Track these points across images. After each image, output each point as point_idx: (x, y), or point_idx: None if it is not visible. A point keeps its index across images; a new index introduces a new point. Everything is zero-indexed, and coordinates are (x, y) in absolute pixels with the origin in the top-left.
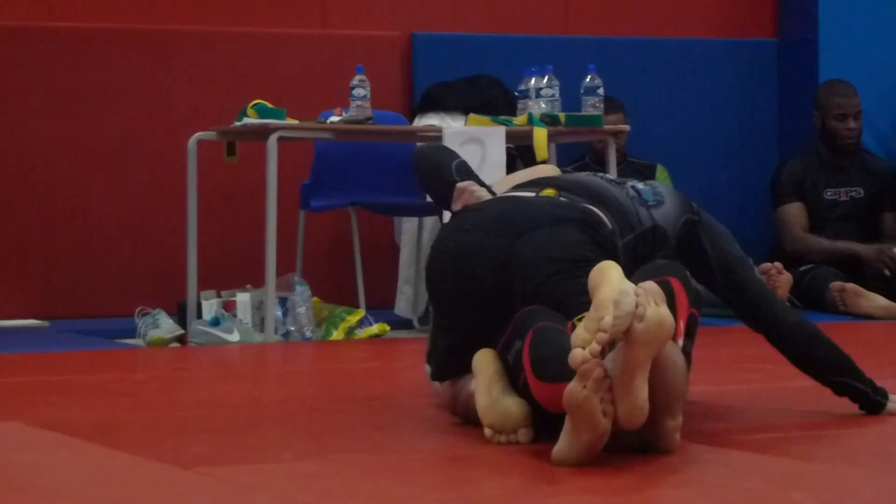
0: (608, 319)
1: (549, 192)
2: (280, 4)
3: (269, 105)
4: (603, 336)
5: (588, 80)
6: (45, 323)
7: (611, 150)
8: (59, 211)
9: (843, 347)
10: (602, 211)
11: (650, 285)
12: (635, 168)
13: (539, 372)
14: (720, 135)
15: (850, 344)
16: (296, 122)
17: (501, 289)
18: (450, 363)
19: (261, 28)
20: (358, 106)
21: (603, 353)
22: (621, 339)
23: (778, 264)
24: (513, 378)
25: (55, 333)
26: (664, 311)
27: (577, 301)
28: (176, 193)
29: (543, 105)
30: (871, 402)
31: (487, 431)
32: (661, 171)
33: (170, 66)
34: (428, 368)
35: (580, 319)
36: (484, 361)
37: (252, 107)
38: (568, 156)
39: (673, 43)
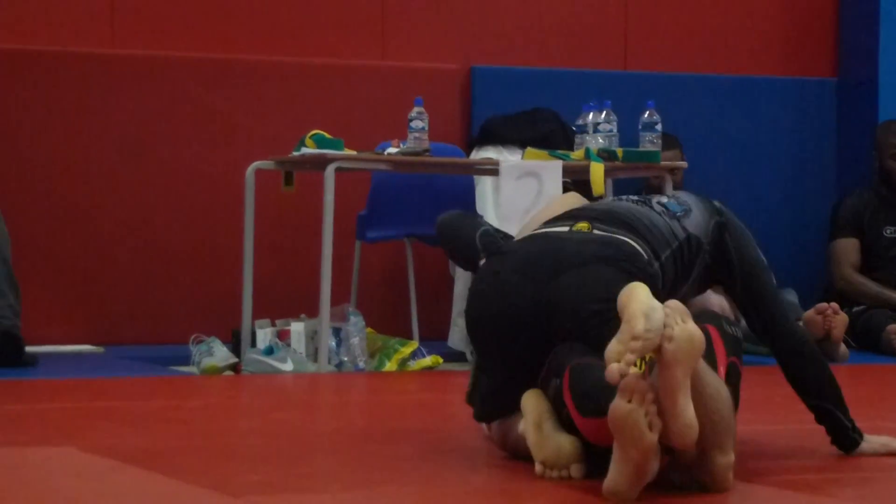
0: (640, 328)
1: (581, 225)
2: (340, 36)
3: (328, 135)
4: (636, 344)
5: (646, 115)
6: (101, 349)
7: (667, 185)
8: (116, 237)
9: None
10: (636, 240)
11: (676, 303)
12: None
13: (582, 408)
14: (778, 173)
15: None
16: (353, 152)
17: (540, 330)
18: (494, 404)
19: (321, 59)
20: (416, 138)
21: (643, 377)
22: (656, 360)
23: (834, 304)
24: (556, 414)
25: (110, 359)
26: (692, 326)
27: None
28: (233, 222)
29: (601, 140)
30: (849, 438)
31: (539, 468)
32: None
33: (230, 94)
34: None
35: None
36: (532, 401)
37: (310, 137)
38: (624, 191)
39: (732, 80)
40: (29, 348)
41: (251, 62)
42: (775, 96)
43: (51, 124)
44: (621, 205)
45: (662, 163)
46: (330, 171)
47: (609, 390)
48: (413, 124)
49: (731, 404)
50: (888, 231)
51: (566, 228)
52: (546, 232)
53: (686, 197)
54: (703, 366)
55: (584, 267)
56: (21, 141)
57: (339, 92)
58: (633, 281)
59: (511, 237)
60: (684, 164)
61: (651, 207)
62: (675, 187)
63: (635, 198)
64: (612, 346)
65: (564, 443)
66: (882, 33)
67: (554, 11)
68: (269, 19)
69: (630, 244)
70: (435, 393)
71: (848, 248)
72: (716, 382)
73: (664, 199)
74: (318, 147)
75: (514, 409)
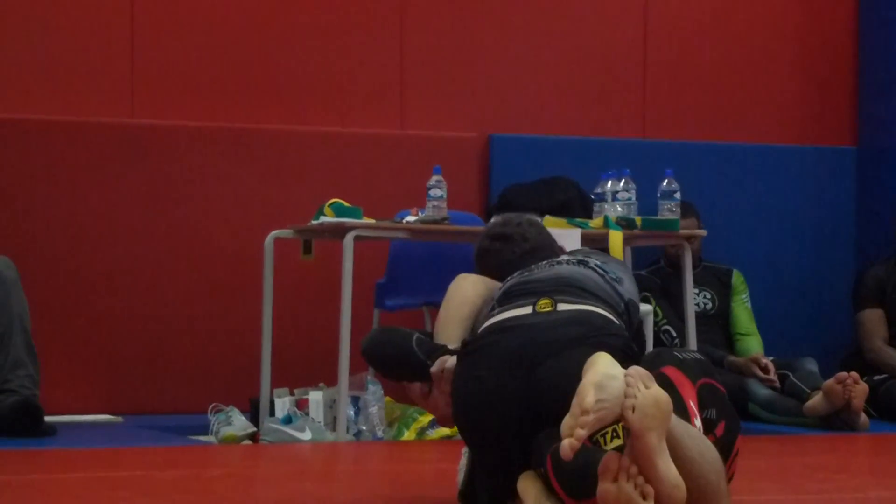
0: (589, 401)
1: (544, 302)
2: (359, 105)
3: (346, 204)
4: (587, 419)
5: (665, 184)
6: (119, 418)
7: (686, 254)
8: (135, 306)
9: None
10: (600, 306)
11: (637, 369)
12: (712, 273)
13: (572, 491)
14: (797, 242)
15: None
16: (372, 221)
17: (528, 422)
18: (494, 494)
19: (340, 128)
20: (434, 206)
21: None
22: (626, 428)
23: (854, 374)
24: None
25: (129, 429)
26: (655, 391)
27: None
28: (251, 290)
29: (620, 208)
30: None
31: None
32: (737, 276)
33: (249, 164)
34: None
35: (602, 435)
36: (529, 482)
37: (329, 205)
38: (644, 259)
39: (751, 148)
40: (48, 418)
41: (270, 132)
42: (794, 165)
43: (70, 194)
44: (565, 269)
45: (681, 231)
46: (349, 240)
47: (594, 467)
48: (432, 192)
49: (719, 466)
50: None
51: (529, 310)
52: (512, 319)
53: (614, 263)
54: (678, 429)
55: (560, 355)
56: (40, 210)
57: (358, 161)
58: (613, 353)
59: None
60: (703, 232)
61: (592, 269)
62: (694, 256)
63: (571, 259)
64: (565, 421)
65: None
66: None
67: (572, 80)
68: (289, 89)
69: (598, 314)
70: (454, 462)
71: (875, 320)
72: (697, 443)
73: (598, 261)
74: (337, 216)
75: (509, 498)
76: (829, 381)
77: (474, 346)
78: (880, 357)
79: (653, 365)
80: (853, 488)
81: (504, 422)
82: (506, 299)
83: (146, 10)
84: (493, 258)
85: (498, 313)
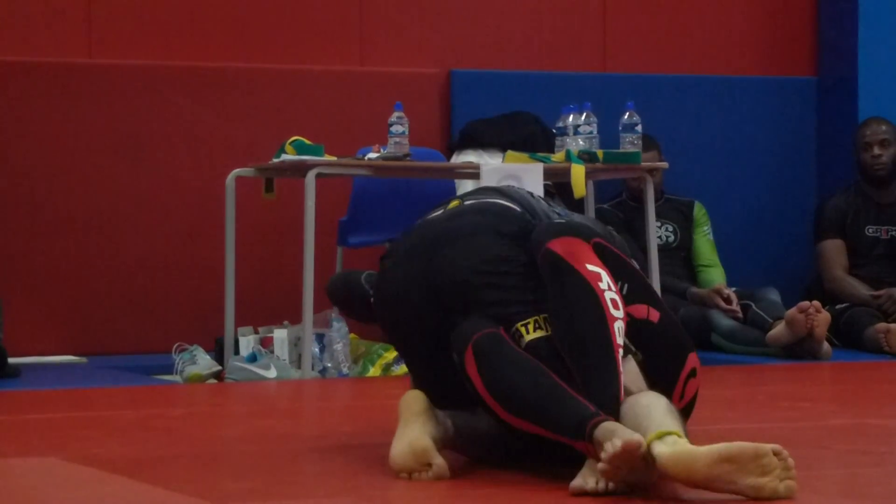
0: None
1: (454, 203)
2: (319, 42)
3: (308, 142)
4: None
5: (626, 117)
6: (83, 359)
7: (648, 187)
8: (97, 247)
9: (884, 387)
10: (506, 200)
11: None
12: (674, 205)
13: (506, 404)
14: (758, 173)
15: (892, 383)
16: (334, 158)
17: (430, 312)
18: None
19: (299, 65)
20: (396, 143)
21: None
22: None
23: (816, 303)
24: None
25: (93, 369)
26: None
27: (517, 307)
28: (214, 230)
29: (581, 142)
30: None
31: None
32: (698, 208)
33: (209, 102)
34: None
35: (524, 325)
36: (406, 401)
37: (290, 143)
38: (605, 193)
39: (712, 80)
40: (12, 360)
41: (230, 70)
42: (755, 96)
43: (29, 135)
44: (508, 187)
45: (643, 164)
46: (310, 178)
47: (531, 389)
48: (393, 129)
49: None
50: (870, 230)
51: (440, 211)
52: (421, 221)
53: (577, 216)
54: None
55: (455, 243)
56: None
57: (319, 98)
58: (509, 239)
59: None
60: (665, 164)
61: (541, 201)
62: (655, 189)
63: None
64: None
65: (406, 453)
66: (861, 31)
67: (532, 14)
68: (247, 27)
69: (500, 203)
70: None
71: (834, 250)
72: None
73: (557, 209)
74: (299, 153)
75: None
76: (792, 311)
77: (391, 248)
78: (840, 286)
79: (536, 245)
80: (816, 416)
81: (411, 313)
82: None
83: None
84: None
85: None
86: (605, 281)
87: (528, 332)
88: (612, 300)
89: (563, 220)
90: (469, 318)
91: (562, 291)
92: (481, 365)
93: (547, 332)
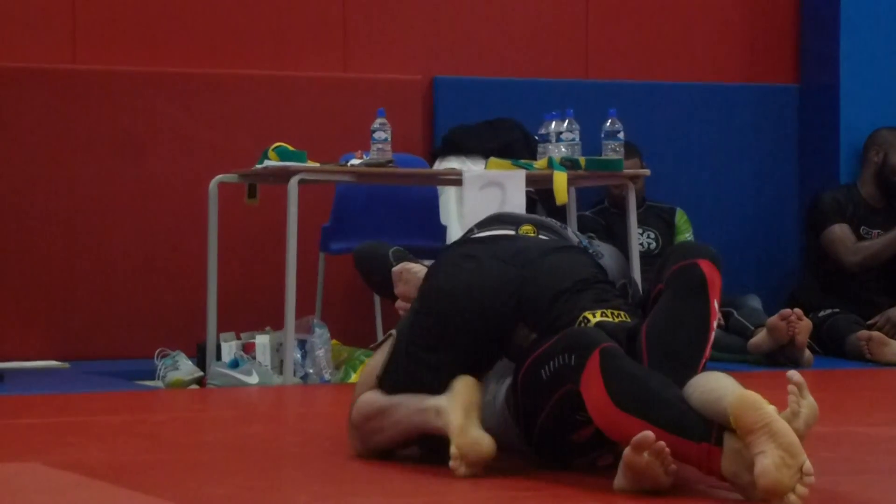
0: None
1: (526, 228)
2: (302, 48)
3: (291, 148)
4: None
5: (608, 124)
6: (66, 364)
7: (630, 194)
8: (80, 252)
9: (866, 394)
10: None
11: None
12: (655, 212)
13: (622, 397)
14: (740, 180)
15: (874, 390)
16: (317, 164)
17: (510, 314)
18: (420, 377)
19: (283, 71)
20: (379, 149)
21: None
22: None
23: (798, 310)
24: (532, 388)
25: (75, 375)
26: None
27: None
28: (197, 235)
29: (563, 149)
30: None
31: (455, 452)
32: (680, 215)
33: (192, 108)
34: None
35: (591, 312)
36: (468, 385)
37: (273, 149)
38: (588, 200)
39: (694, 88)
40: None
41: (213, 76)
42: (737, 103)
43: (13, 141)
44: (550, 221)
45: (625, 171)
46: (293, 184)
47: (659, 401)
48: (376, 135)
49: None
50: (862, 230)
51: (512, 231)
52: (501, 234)
53: (601, 246)
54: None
55: (554, 254)
56: None
57: (302, 104)
58: (598, 266)
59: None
60: (647, 171)
61: (572, 236)
62: (637, 196)
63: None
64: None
65: (484, 440)
66: (843, 39)
67: (515, 21)
68: (231, 33)
69: (579, 248)
70: None
71: (844, 231)
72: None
73: (581, 236)
74: (282, 159)
75: (434, 389)
76: (773, 318)
77: (464, 240)
78: (866, 253)
79: (688, 255)
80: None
81: (494, 303)
82: (485, 224)
83: None
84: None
85: (479, 232)
86: (716, 321)
87: (594, 317)
88: (712, 341)
89: (708, 246)
90: (587, 329)
91: (685, 308)
92: (607, 364)
93: (611, 318)
